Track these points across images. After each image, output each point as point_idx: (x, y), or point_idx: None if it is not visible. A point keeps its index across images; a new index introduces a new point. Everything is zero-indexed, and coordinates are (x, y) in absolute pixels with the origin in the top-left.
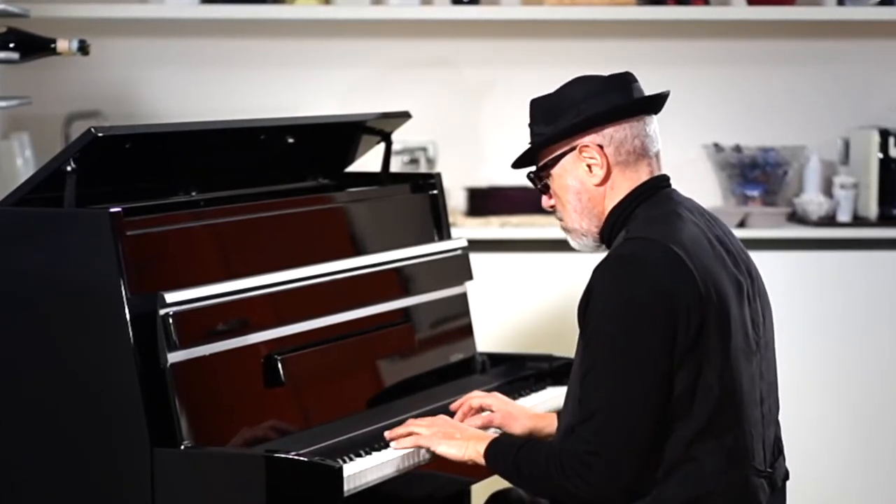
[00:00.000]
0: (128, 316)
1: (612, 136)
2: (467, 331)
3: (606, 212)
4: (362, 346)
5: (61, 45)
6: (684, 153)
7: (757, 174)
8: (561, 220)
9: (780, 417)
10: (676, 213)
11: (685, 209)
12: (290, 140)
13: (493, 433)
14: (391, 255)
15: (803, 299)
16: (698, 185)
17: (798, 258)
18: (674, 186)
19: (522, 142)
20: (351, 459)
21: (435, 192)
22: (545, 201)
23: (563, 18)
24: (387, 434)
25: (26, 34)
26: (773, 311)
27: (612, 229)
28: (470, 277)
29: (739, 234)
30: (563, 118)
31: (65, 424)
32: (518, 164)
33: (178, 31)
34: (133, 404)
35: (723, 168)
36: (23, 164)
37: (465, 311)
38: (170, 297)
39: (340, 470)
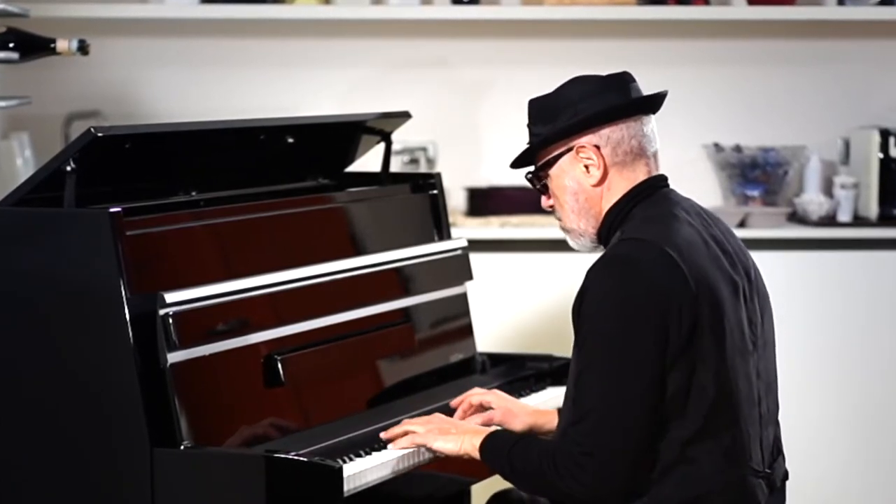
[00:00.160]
0: (127, 316)
1: (608, 136)
2: (467, 331)
3: (604, 212)
4: (362, 346)
5: (61, 44)
6: (684, 153)
7: (757, 174)
8: (559, 219)
9: (780, 417)
10: (672, 213)
11: (682, 209)
12: (290, 140)
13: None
14: (391, 255)
15: (803, 299)
16: (698, 185)
17: (798, 258)
18: (674, 186)
19: (522, 142)
20: (351, 459)
21: (435, 192)
22: (544, 201)
23: (562, 18)
24: (383, 435)
25: (26, 34)
26: (774, 311)
27: (610, 229)
28: (470, 277)
29: (739, 234)
30: (560, 118)
31: (65, 424)
32: (516, 164)
33: (178, 31)
34: (133, 404)
35: (723, 168)
36: (22, 163)
37: (465, 311)
38: (170, 297)
39: (340, 470)
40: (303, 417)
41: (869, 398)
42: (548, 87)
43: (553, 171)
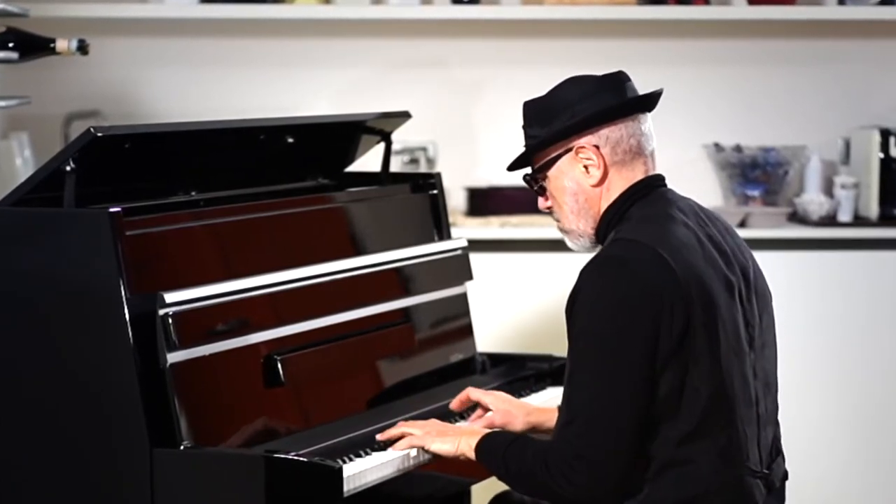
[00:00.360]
0: (127, 316)
1: (608, 136)
2: (467, 331)
3: (602, 212)
4: (362, 346)
5: (60, 44)
6: (685, 153)
7: (757, 174)
8: (557, 220)
9: (780, 418)
10: (668, 213)
11: (678, 209)
12: (290, 140)
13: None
14: (391, 255)
15: (804, 299)
16: (699, 184)
17: (799, 258)
18: (674, 186)
19: (522, 142)
20: (351, 460)
21: (435, 192)
22: (541, 203)
23: (562, 18)
24: (379, 436)
25: (25, 34)
26: (774, 311)
27: (607, 229)
28: (470, 277)
29: (740, 234)
30: (557, 120)
31: (65, 424)
32: (513, 166)
33: (178, 30)
34: (132, 404)
35: (723, 168)
36: (22, 163)
37: (465, 311)
38: (169, 297)
39: (340, 470)
40: (303, 417)
41: (869, 398)
42: (548, 86)
43: (551, 173)
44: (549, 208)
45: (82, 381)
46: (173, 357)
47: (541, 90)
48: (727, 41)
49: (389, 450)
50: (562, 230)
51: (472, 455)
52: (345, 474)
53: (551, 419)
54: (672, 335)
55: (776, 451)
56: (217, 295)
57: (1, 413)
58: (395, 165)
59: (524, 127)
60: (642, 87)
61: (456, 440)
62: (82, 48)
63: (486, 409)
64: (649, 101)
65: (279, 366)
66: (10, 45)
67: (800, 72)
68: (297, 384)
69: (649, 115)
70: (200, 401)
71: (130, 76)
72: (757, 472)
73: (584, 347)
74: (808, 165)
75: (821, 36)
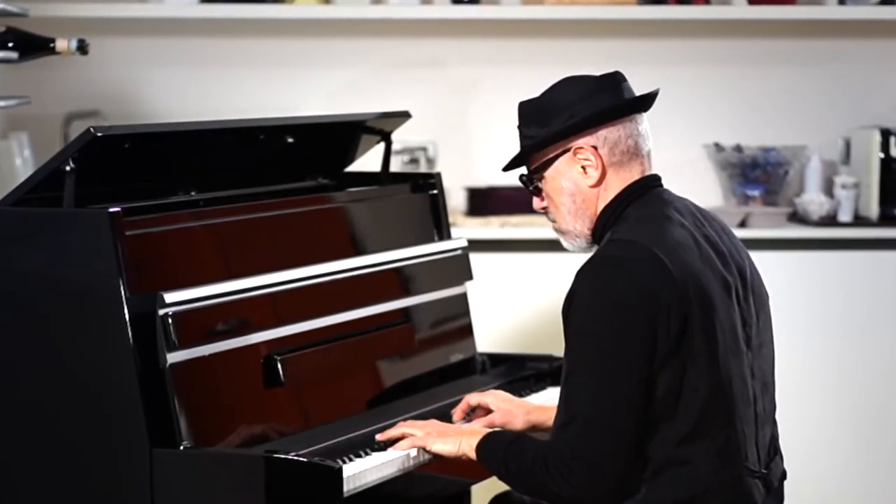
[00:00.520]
0: (127, 316)
1: (605, 136)
2: (467, 331)
3: (598, 212)
4: (362, 346)
5: (60, 44)
6: (685, 153)
7: (758, 174)
8: (554, 221)
9: (780, 417)
10: (664, 214)
11: (674, 209)
12: (290, 140)
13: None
14: (391, 255)
15: (804, 299)
16: (699, 185)
17: (799, 258)
18: (674, 186)
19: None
20: (351, 460)
21: (435, 191)
22: (536, 203)
23: (562, 18)
24: (379, 437)
25: (25, 34)
26: (774, 311)
27: (603, 229)
28: (470, 277)
29: (740, 234)
30: (555, 120)
31: (65, 424)
32: (509, 167)
33: (178, 30)
34: (132, 404)
35: (723, 168)
36: (22, 163)
37: (465, 311)
38: (169, 297)
39: (340, 470)
40: (302, 418)
41: (869, 398)
42: (548, 86)
43: (548, 173)
44: (544, 209)
45: (82, 381)
46: (173, 357)
47: (541, 90)
48: (727, 41)
49: (389, 450)
50: (558, 230)
51: (472, 455)
52: (345, 474)
53: (552, 418)
54: (669, 336)
55: (774, 451)
56: (217, 295)
57: (1, 413)
58: (395, 165)
59: (520, 127)
60: (642, 87)
61: (457, 440)
62: (82, 48)
63: (488, 410)
64: (647, 102)
65: (279, 366)
66: (10, 44)
67: (800, 72)
68: (296, 384)
69: (645, 116)
70: (200, 401)
71: (130, 76)
72: (755, 471)
73: (582, 348)
74: (808, 165)
75: (821, 36)
